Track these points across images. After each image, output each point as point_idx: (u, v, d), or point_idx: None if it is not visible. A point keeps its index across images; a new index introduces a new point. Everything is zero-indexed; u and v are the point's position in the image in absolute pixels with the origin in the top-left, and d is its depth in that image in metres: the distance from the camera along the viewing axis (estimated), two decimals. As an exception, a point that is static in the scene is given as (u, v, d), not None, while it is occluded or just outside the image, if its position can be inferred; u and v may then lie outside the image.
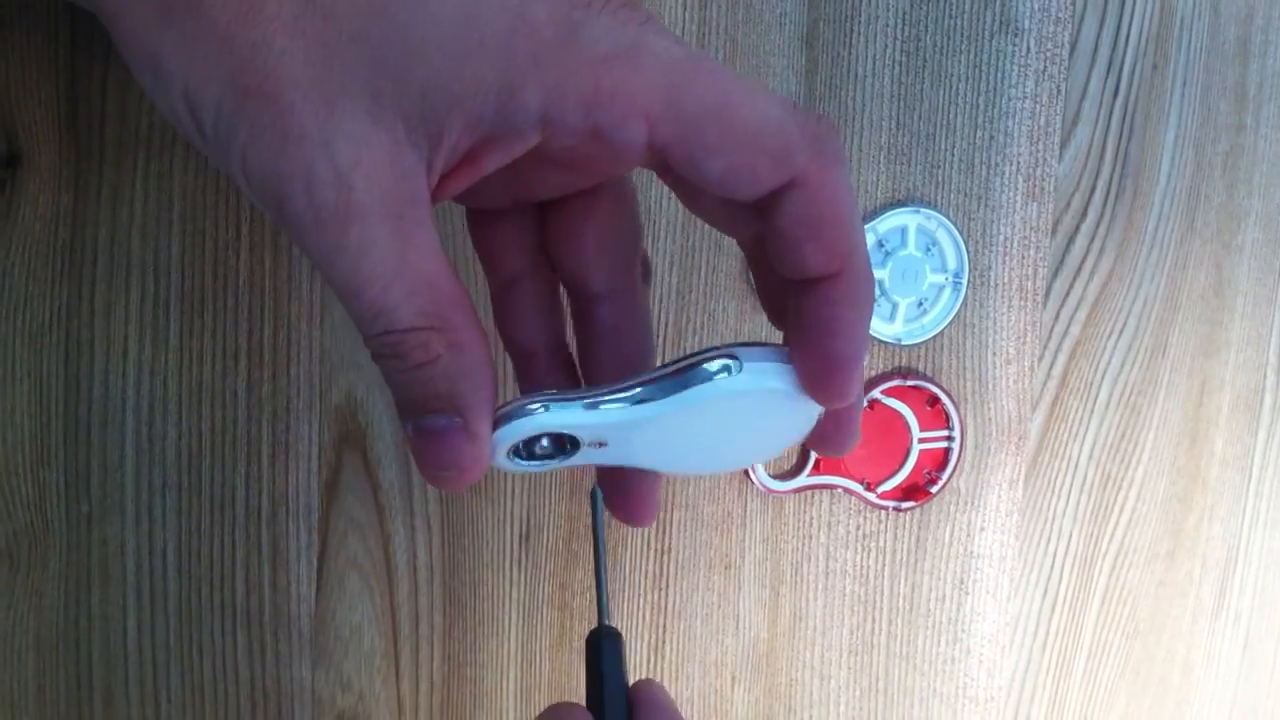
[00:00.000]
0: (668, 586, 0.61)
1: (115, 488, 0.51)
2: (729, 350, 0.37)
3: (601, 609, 0.41)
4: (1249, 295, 0.71)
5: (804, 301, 0.37)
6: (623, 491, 0.43)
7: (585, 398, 0.38)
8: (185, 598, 0.53)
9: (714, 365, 0.37)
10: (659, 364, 0.39)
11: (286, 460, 0.54)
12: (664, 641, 0.61)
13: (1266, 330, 0.73)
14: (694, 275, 0.59)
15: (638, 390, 0.38)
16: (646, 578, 0.61)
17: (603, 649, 0.40)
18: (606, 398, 0.38)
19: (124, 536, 0.52)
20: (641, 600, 0.61)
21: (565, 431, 0.38)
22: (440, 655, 0.58)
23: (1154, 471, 0.71)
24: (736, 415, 0.39)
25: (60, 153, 0.49)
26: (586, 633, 0.43)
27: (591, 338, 0.43)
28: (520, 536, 0.58)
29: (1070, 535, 0.70)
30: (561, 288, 0.44)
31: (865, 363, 0.41)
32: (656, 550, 0.61)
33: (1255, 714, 0.78)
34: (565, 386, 0.43)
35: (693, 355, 0.38)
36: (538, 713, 0.41)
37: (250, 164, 0.34)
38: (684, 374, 0.37)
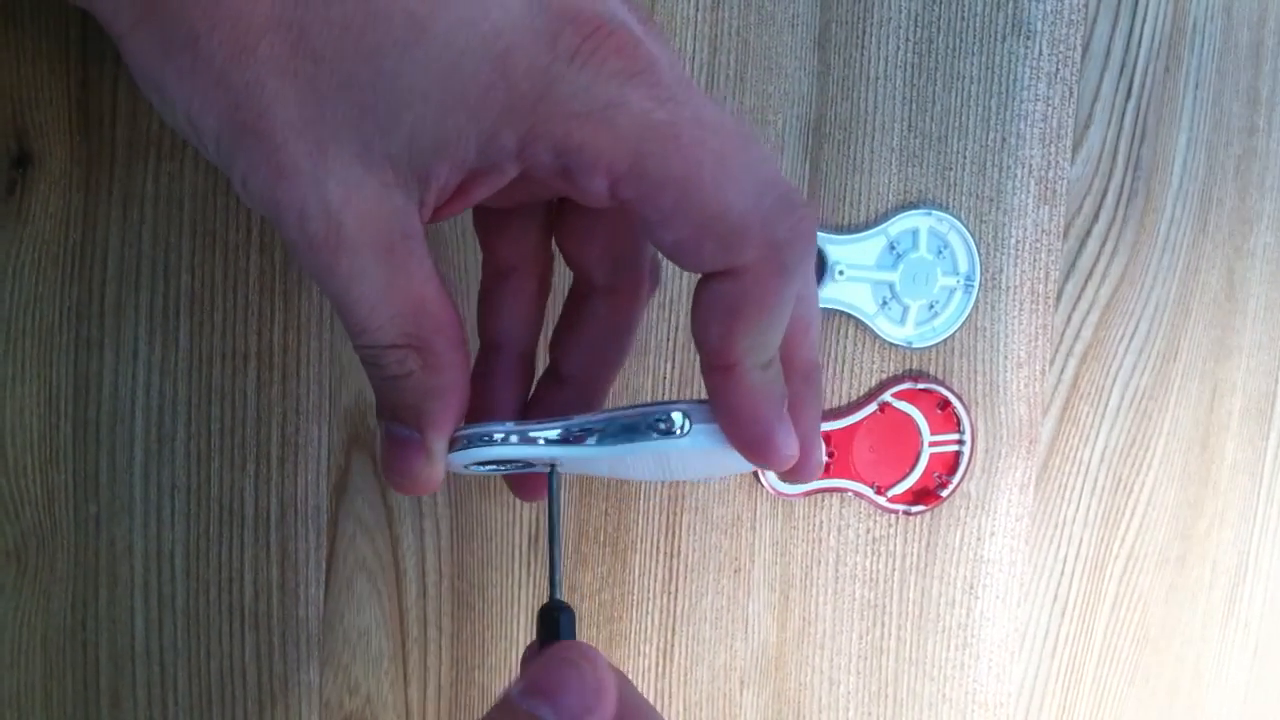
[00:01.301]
0: (676, 590, 0.61)
1: (124, 489, 0.51)
2: (684, 408, 0.39)
3: (554, 584, 0.42)
4: (1261, 299, 0.71)
5: (710, 378, 0.39)
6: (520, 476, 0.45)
7: (535, 431, 0.40)
8: (193, 599, 0.53)
9: (663, 422, 0.39)
10: (614, 407, 0.41)
11: (295, 462, 0.53)
12: (672, 645, 0.61)
13: (1278, 335, 0.72)
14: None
15: (585, 433, 0.40)
16: (655, 581, 0.60)
17: (559, 623, 0.41)
18: (557, 437, 0.40)
19: (132, 538, 0.52)
20: (650, 604, 0.60)
21: (516, 458, 0.41)
22: (449, 659, 0.57)
23: (1165, 476, 0.71)
24: (686, 458, 0.41)
25: (71, 153, 0.48)
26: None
27: (577, 323, 0.44)
28: (529, 540, 0.58)
29: (1081, 540, 0.70)
30: (548, 295, 0.45)
31: (813, 421, 0.42)
32: (665, 553, 0.60)
33: (1266, 720, 0.78)
34: (520, 393, 0.45)
35: (644, 407, 0.39)
36: None
37: (250, 188, 0.35)
38: (632, 426, 0.39)
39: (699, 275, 0.38)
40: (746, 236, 0.36)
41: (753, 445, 0.39)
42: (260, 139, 0.34)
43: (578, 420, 0.40)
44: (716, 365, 0.38)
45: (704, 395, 0.40)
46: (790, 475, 0.42)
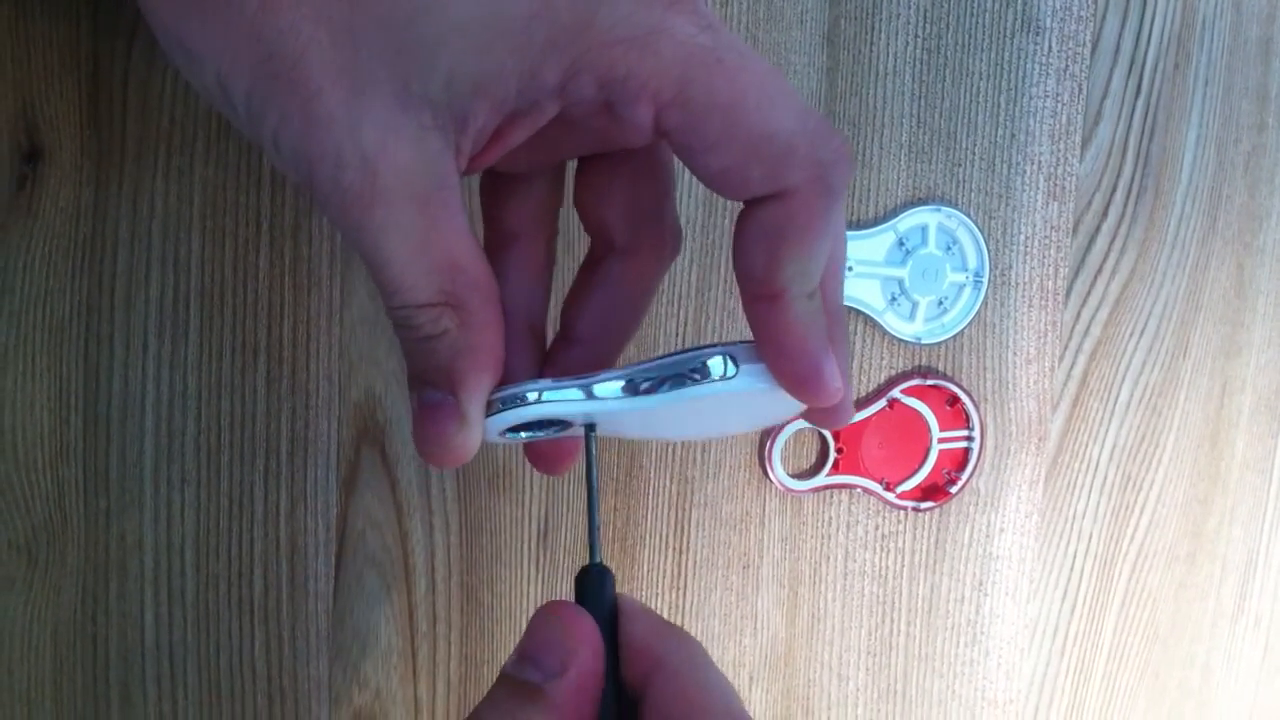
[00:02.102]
0: (686, 586, 0.61)
1: (134, 483, 0.51)
2: (726, 350, 0.38)
3: (593, 547, 0.41)
4: (1271, 296, 0.71)
5: (756, 309, 0.38)
6: (542, 447, 0.44)
7: (579, 387, 0.38)
8: (203, 594, 0.53)
9: (711, 366, 0.37)
10: (654, 357, 0.39)
11: (305, 457, 0.54)
12: (682, 641, 0.61)
13: (1288, 332, 0.72)
14: (714, 273, 0.58)
15: (632, 384, 0.38)
16: (664, 577, 0.60)
17: (590, 584, 0.40)
18: (601, 387, 0.38)
19: (142, 532, 0.52)
20: (659, 599, 0.60)
21: (556, 417, 0.39)
22: (458, 653, 0.57)
23: (1174, 473, 0.71)
24: (727, 405, 0.40)
25: (82, 148, 0.48)
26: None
27: (592, 286, 0.43)
28: (538, 534, 0.58)
29: (1090, 537, 0.69)
30: (554, 264, 0.44)
31: (846, 360, 0.40)
32: (675, 549, 0.60)
33: (1276, 718, 0.77)
34: (534, 360, 0.43)
35: (688, 351, 0.38)
36: None
37: (281, 144, 0.34)
38: (679, 373, 0.38)
39: (740, 205, 0.38)
40: (793, 158, 0.35)
41: (801, 378, 0.38)
42: (294, 87, 0.33)
43: (621, 371, 0.39)
44: (762, 295, 0.37)
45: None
46: (826, 415, 0.41)
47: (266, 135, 0.35)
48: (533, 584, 0.58)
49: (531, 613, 0.57)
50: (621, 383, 0.38)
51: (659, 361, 0.38)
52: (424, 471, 0.55)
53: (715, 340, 0.58)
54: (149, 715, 0.53)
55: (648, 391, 0.38)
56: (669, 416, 0.40)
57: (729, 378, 0.38)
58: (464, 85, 0.34)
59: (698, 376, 0.37)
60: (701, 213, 0.57)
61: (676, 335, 0.58)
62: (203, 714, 0.54)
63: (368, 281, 0.53)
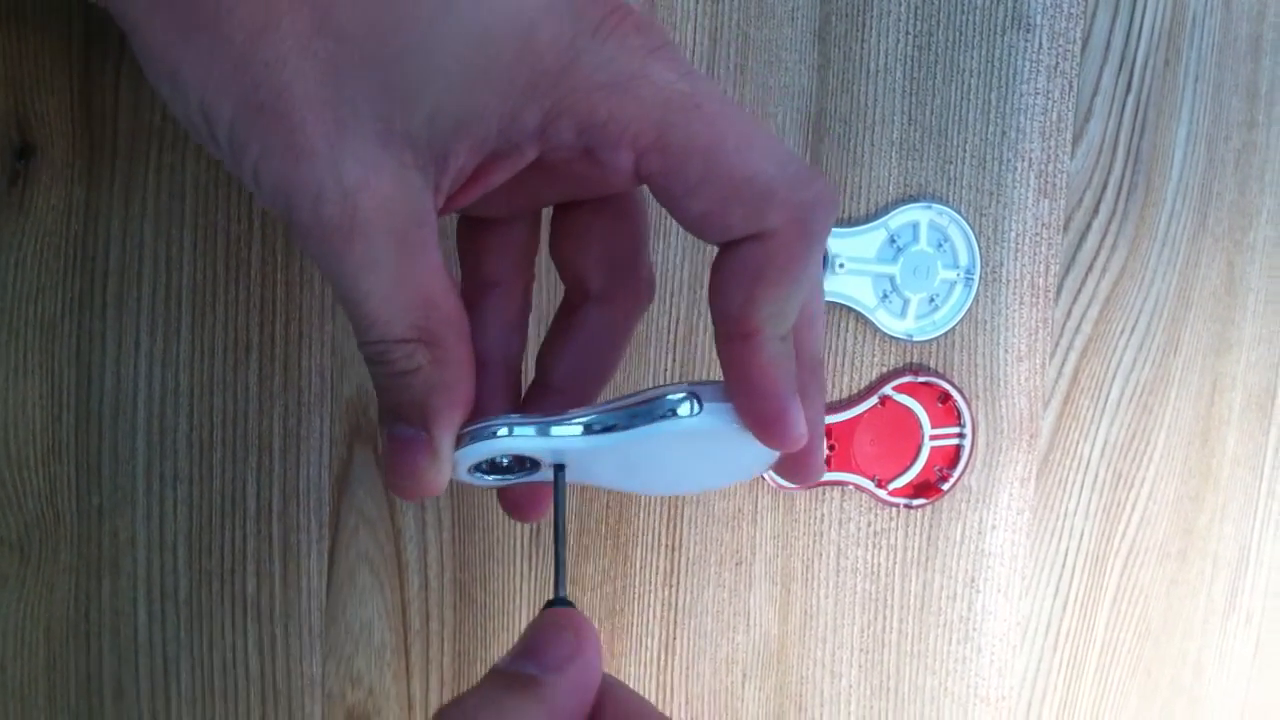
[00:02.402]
0: (678, 583, 0.61)
1: (126, 480, 0.51)
2: (691, 389, 0.38)
3: (558, 581, 0.41)
4: (1261, 293, 0.71)
5: (728, 347, 0.38)
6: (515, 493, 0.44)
7: (546, 424, 0.39)
8: (196, 591, 0.53)
9: (675, 404, 0.38)
10: (616, 396, 0.40)
11: (298, 454, 0.54)
12: (674, 638, 0.61)
13: (1278, 329, 0.73)
14: (705, 272, 0.58)
15: (596, 420, 0.39)
16: (657, 574, 0.61)
17: None
18: (566, 427, 0.39)
19: (135, 529, 0.52)
20: (652, 597, 0.60)
21: (525, 454, 0.40)
22: (450, 651, 0.58)
23: (1166, 470, 0.71)
24: (695, 449, 0.40)
25: (73, 145, 0.48)
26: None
27: (567, 333, 0.44)
28: (531, 533, 0.58)
29: (1082, 534, 0.70)
30: (530, 310, 0.44)
31: (818, 412, 0.41)
32: (667, 546, 0.60)
33: (1267, 714, 0.78)
34: (510, 406, 0.43)
35: (653, 390, 0.38)
36: None
37: (262, 176, 0.35)
38: (643, 409, 0.38)
39: (718, 247, 0.38)
40: (773, 200, 0.36)
41: (766, 421, 0.38)
42: (278, 119, 0.34)
43: (586, 410, 0.39)
44: (736, 334, 0.38)
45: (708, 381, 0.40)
46: (794, 470, 0.42)
47: (248, 167, 0.35)
48: (525, 581, 0.58)
49: (524, 610, 0.58)
50: (588, 418, 0.39)
51: (627, 399, 0.39)
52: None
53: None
54: (142, 712, 0.53)
55: (614, 429, 0.38)
56: (638, 460, 0.40)
57: (693, 415, 0.38)
58: (446, 124, 0.35)
59: (663, 413, 0.38)
60: (690, 254, 0.57)
61: (669, 333, 0.58)
62: (196, 711, 0.54)
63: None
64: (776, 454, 0.40)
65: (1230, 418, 0.72)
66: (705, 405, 0.38)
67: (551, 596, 0.40)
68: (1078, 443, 0.68)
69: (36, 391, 0.50)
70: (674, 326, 0.58)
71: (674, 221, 0.37)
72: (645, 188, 0.39)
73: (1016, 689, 0.69)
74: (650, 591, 0.60)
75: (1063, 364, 0.67)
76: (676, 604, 0.61)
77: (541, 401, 0.44)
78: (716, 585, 0.62)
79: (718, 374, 0.39)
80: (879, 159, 0.61)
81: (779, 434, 0.38)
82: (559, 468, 0.41)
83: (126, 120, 0.49)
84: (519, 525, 0.58)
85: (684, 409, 0.38)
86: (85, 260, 0.49)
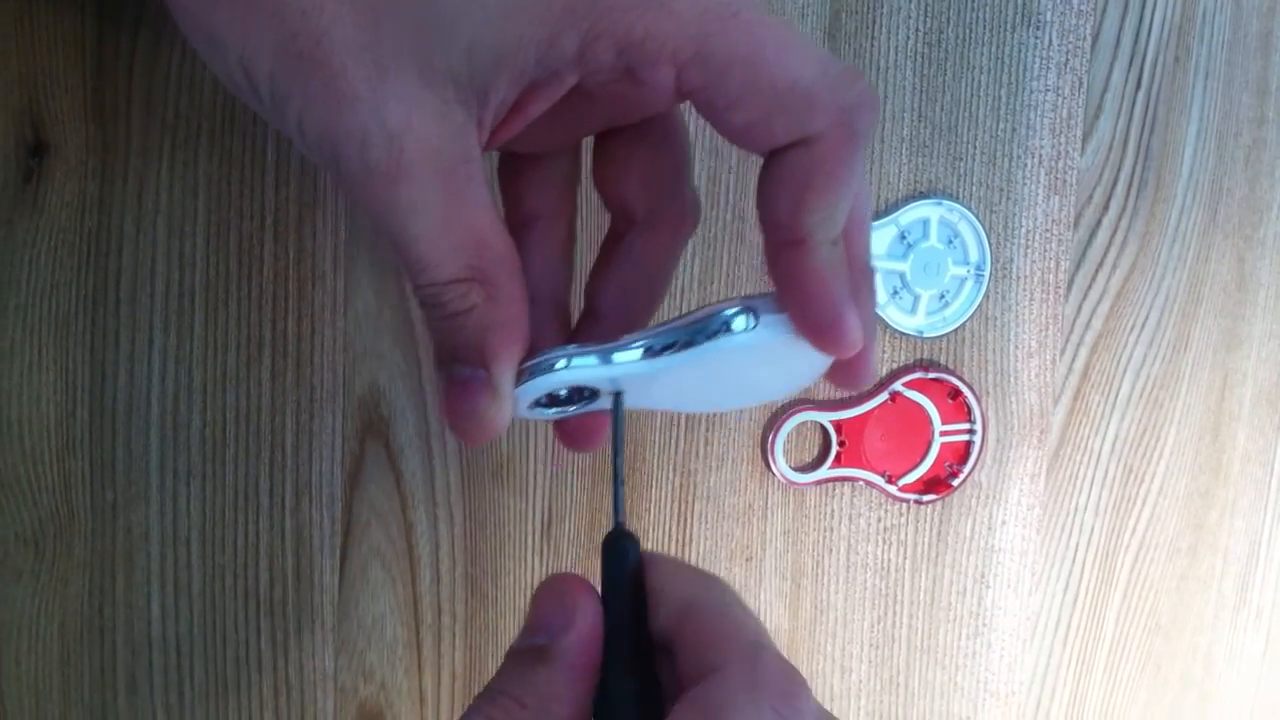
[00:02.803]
0: (689, 578, 0.61)
1: (140, 475, 0.52)
2: (746, 303, 0.38)
3: (618, 510, 0.41)
4: (1271, 289, 0.71)
5: (779, 257, 0.38)
6: (572, 424, 0.44)
7: (604, 352, 0.39)
8: (209, 586, 0.53)
9: (730, 319, 0.38)
10: (667, 317, 0.39)
11: (310, 450, 0.54)
12: (685, 633, 0.61)
13: (1289, 325, 0.73)
14: (715, 266, 0.59)
15: (654, 344, 0.38)
16: (668, 569, 0.61)
17: (614, 551, 0.39)
18: (625, 352, 0.39)
19: (148, 524, 0.52)
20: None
21: (585, 385, 0.39)
22: (462, 645, 0.58)
23: (1176, 466, 0.71)
24: (751, 363, 0.40)
25: (86, 142, 0.49)
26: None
27: (613, 262, 0.44)
28: (542, 526, 0.58)
29: (1092, 530, 0.70)
30: (575, 243, 0.44)
31: (871, 315, 0.41)
32: (678, 541, 0.61)
33: (1278, 709, 0.77)
34: (560, 339, 0.43)
35: (708, 308, 0.38)
36: None
37: (306, 126, 0.35)
38: (700, 327, 0.38)
39: (764, 156, 0.38)
40: (817, 104, 0.35)
41: (823, 327, 0.38)
42: (318, 67, 0.34)
43: (643, 334, 0.39)
44: (786, 242, 0.38)
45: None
46: (848, 375, 0.41)
47: (291, 119, 0.35)
48: (537, 576, 0.59)
49: (536, 604, 0.58)
50: (646, 341, 0.38)
51: (682, 319, 0.38)
52: (428, 464, 0.56)
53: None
54: (155, 706, 0.53)
55: (673, 349, 0.38)
56: (695, 378, 0.40)
57: (749, 329, 0.38)
58: (484, 57, 0.35)
59: (721, 329, 0.38)
60: (704, 204, 0.57)
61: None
62: (209, 706, 0.54)
63: (372, 276, 0.53)
64: (830, 360, 0.40)
65: (1241, 413, 0.72)
66: (761, 318, 0.38)
67: (611, 528, 0.40)
68: (1088, 438, 0.68)
69: (51, 387, 0.50)
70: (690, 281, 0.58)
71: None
72: (683, 111, 0.39)
73: (1026, 684, 0.69)
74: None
75: (1073, 360, 0.67)
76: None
77: (591, 331, 0.44)
78: (726, 580, 0.62)
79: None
80: (889, 155, 0.61)
81: (836, 339, 0.38)
82: (617, 396, 0.41)
83: (139, 117, 0.49)
84: (530, 521, 0.58)
85: (740, 323, 0.38)
86: (99, 257, 0.50)
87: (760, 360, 0.40)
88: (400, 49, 0.34)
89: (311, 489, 0.54)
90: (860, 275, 0.40)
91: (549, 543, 0.58)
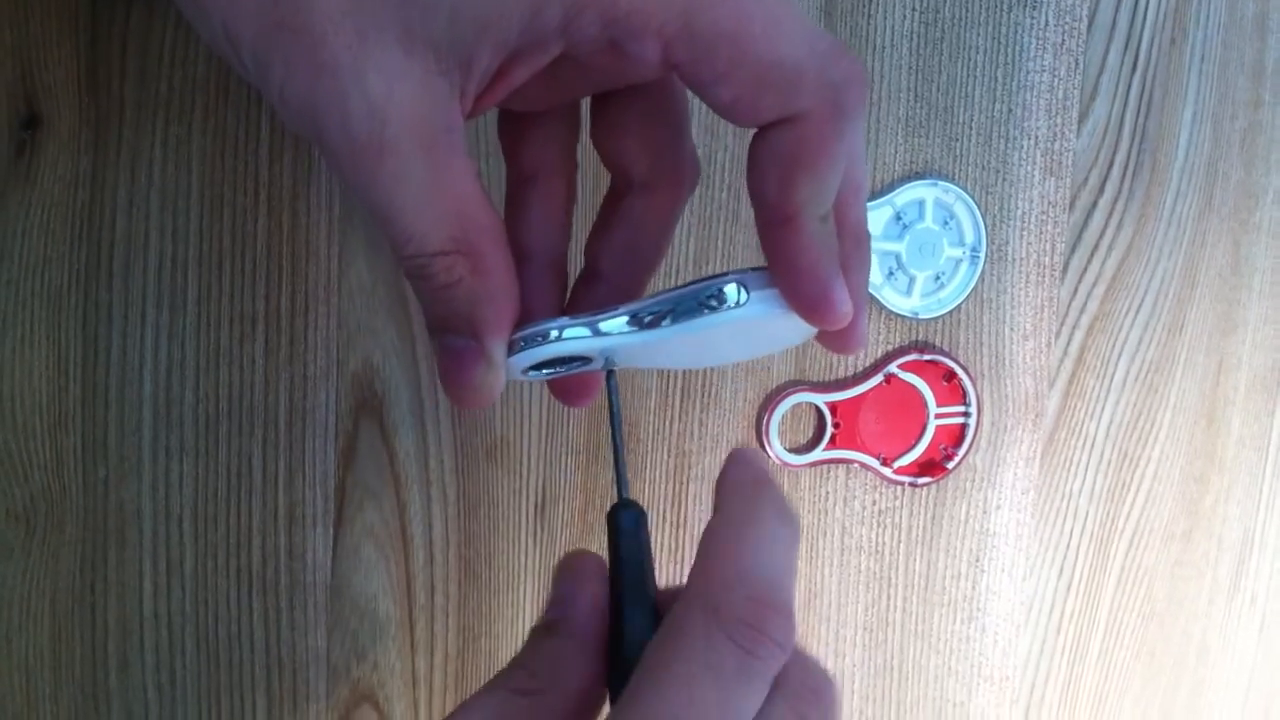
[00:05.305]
0: (683, 560, 0.61)
1: (132, 452, 0.51)
2: (737, 277, 0.38)
3: (621, 482, 0.42)
4: (1266, 273, 0.71)
5: (769, 233, 0.38)
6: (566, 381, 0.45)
7: (595, 322, 0.39)
8: (201, 563, 0.53)
9: (722, 292, 0.38)
10: (664, 289, 0.40)
11: (304, 427, 0.54)
12: (679, 615, 0.61)
13: (1284, 309, 0.73)
14: (711, 246, 0.58)
15: (646, 313, 0.39)
16: (662, 550, 0.61)
17: (617, 522, 0.40)
18: (616, 323, 0.39)
19: (140, 501, 0.52)
20: (657, 573, 0.60)
21: (575, 354, 0.40)
22: (455, 626, 0.58)
23: (1171, 451, 0.71)
24: (742, 330, 0.40)
25: (80, 115, 0.49)
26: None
27: (613, 222, 0.44)
28: (536, 507, 0.58)
29: (1086, 514, 0.70)
30: (575, 201, 0.44)
31: (864, 282, 0.42)
32: (672, 523, 0.60)
33: (1271, 695, 0.77)
34: (556, 299, 0.44)
35: (701, 281, 0.39)
36: None
37: (288, 95, 0.35)
38: (691, 299, 0.38)
39: (753, 131, 0.38)
40: (803, 82, 0.35)
41: (811, 301, 0.38)
42: (298, 35, 0.34)
43: (635, 305, 0.39)
44: (775, 219, 0.38)
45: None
46: (838, 342, 0.41)
47: (274, 88, 0.35)
48: (530, 557, 0.58)
49: (529, 586, 0.58)
50: (636, 312, 0.39)
51: (676, 293, 0.39)
52: (422, 443, 0.55)
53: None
54: (147, 684, 0.53)
55: (666, 323, 0.39)
56: (686, 346, 0.41)
57: (741, 304, 0.38)
58: (467, 26, 0.34)
59: (714, 304, 0.38)
60: (699, 186, 0.57)
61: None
62: (201, 684, 0.54)
63: (366, 251, 0.53)
64: (815, 330, 0.41)
65: (1236, 398, 0.72)
66: (752, 292, 0.38)
67: (614, 501, 0.41)
68: (1083, 422, 0.68)
69: (43, 362, 0.50)
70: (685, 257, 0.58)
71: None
72: None
73: (1020, 669, 0.69)
74: (656, 568, 0.60)
75: (1068, 343, 0.67)
76: (681, 579, 0.61)
77: (590, 290, 0.44)
78: (721, 562, 0.61)
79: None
80: (885, 136, 0.61)
81: (823, 314, 0.39)
82: (610, 374, 0.42)
83: (133, 91, 0.49)
84: (523, 501, 0.58)
85: (731, 297, 0.38)
86: (92, 231, 0.49)
87: (750, 328, 0.40)
88: (381, 17, 0.34)
89: (305, 466, 0.54)
90: (853, 242, 0.41)
91: (543, 524, 0.58)
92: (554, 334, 0.39)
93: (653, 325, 0.39)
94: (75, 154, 0.49)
